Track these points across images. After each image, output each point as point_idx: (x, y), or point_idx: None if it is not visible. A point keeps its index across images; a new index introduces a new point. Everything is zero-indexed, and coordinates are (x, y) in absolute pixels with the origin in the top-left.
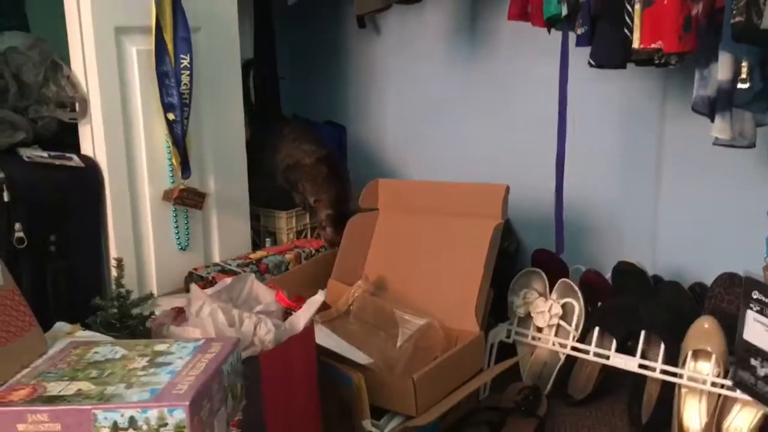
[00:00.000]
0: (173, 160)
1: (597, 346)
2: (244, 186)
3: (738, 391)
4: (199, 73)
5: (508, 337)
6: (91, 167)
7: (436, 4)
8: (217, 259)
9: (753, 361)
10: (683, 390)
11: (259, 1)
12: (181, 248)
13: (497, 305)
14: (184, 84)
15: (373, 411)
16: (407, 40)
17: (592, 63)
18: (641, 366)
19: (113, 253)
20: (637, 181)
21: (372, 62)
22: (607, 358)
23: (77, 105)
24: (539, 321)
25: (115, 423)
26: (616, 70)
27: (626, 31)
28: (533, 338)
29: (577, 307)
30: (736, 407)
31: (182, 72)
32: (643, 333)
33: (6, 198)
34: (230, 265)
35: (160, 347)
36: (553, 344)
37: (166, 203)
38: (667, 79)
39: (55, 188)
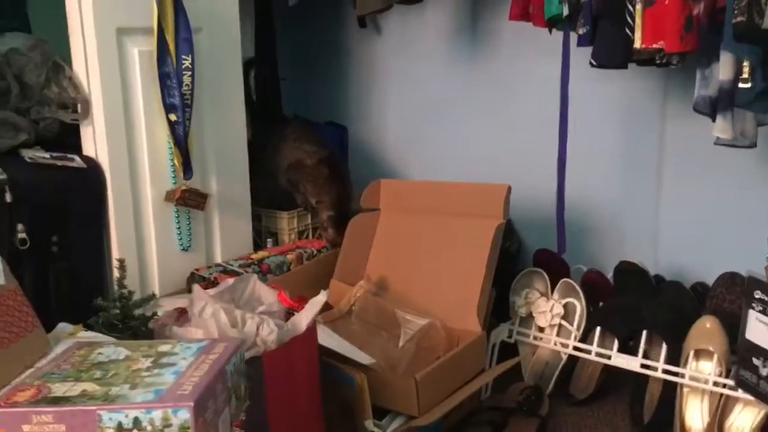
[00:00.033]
0: (175, 161)
1: (599, 346)
2: (246, 186)
3: (740, 391)
4: (201, 73)
5: (510, 337)
6: (93, 168)
7: (437, 5)
8: (218, 259)
9: (755, 361)
10: (685, 390)
11: (259, 1)
12: (183, 249)
13: (499, 305)
14: (186, 85)
15: (375, 411)
16: (408, 41)
17: (594, 63)
18: (643, 366)
19: (115, 253)
20: (639, 181)
21: (373, 62)
22: (609, 358)
23: (79, 106)
24: (541, 321)
25: (119, 424)
26: (617, 70)
27: (628, 31)
28: (535, 338)
29: (579, 307)
30: (738, 407)
31: (184, 73)
32: (644, 333)
33: (8, 199)
34: (232, 265)
35: (164, 348)
36: (555, 344)
37: (168, 204)
38: (668, 78)
39: (57, 189)
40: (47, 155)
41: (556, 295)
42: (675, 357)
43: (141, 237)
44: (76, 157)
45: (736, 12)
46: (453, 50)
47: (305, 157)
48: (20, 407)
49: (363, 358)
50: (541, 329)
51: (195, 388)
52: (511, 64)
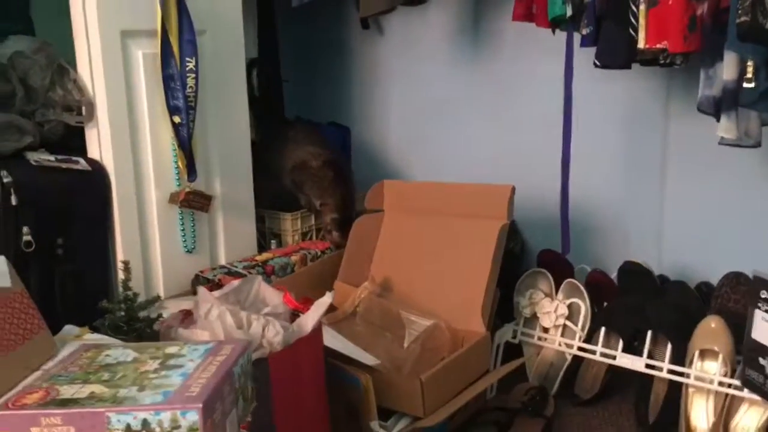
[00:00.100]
0: (179, 163)
1: (603, 346)
2: (250, 188)
3: (745, 391)
4: (205, 75)
5: (514, 337)
6: (97, 170)
7: (440, 5)
8: (223, 261)
9: (761, 361)
10: (690, 390)
11: (262, 2)
12: (188, 251)
13: (503, 306)
14: (190, 87)
15: (380, 412)
16: (411, 41)
17: (598, 63)
18: (648, 366)
19: (120, 255)
20: (643, 181)
21: (376, 63)
22: (614, 358)
23: (84, 109)
24: (545, 321)
25: (128, 426)
26: (620, 70)
27: (631, 31)
28: (539, 339)
29: (583, 307)
30: (744, 407)
31: (188, 75)
32: (649, 333)
33: (14, 202)
34: (236, 267)
35: (172, 350)
36: (560, 345)
37: (173, 206)
38: (671, 78)
39: (62, 192)
40: (52, 158)
41: (560, 296)
42: (680, 357)
43: (145, 239)
44: (81, 160)
45: (740, 12)
46: (456, 51)
47: (310, 159)
48: (29, 409)
49: (368, 359)
50: (546, 330)
51: (203, 390)
52: (514, 64)
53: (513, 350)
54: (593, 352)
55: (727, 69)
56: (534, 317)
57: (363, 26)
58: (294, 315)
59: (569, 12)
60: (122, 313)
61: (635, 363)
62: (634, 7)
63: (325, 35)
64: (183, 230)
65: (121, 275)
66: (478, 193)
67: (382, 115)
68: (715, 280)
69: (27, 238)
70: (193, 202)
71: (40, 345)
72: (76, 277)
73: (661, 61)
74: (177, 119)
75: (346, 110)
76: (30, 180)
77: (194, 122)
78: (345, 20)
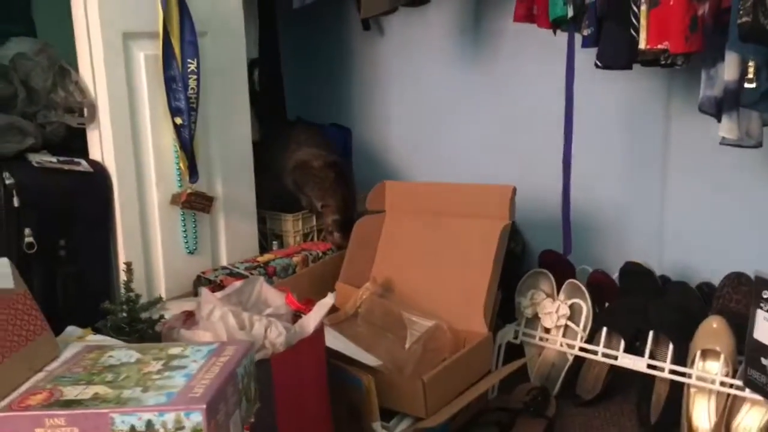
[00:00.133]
0: (181, 165)
1: (605, 346)
2: (251, 189)
3: (747, 391)
4: (206, 77)
5: (516, 338)
6: (99, 172)
7: (441, 6)
8: (224, 262)
9: (764, 361)
10: (692, 390)
11: (263, 3)
12: (189, 252)
13: (504, 307)
14: (192, 88)
15: (382, 413)
16: (412, 42)
17: (599, 64)
18: (650, 366)
19: (122, 257)
20: (643, 181)
21: (376, 64)
22: (616, 358)
23: (85, 110)
24: (547, 322)
25: (132, 427)
26: (621, 70)
27: (632, 31)
28: (541, 339)
29: (585, 307)
30: (746, 407)
31: (189, 76)
32: (651, 333)
33: (16, 203)
34: (238, 268)
35: (175, 351)
36: (561, 345)
37: (174, 207)
38: (671, 78)
39: (64, 193)
40: (54, 159)
41: (561, 296)
42: (682, 357)
43: (147, 240)
44: (83, 161)
45: (741, 12)
46: (457, 51)
47: (312, 159)
48: (33, 410)
49: (370, 360)
50: (547, 330)
51: (207, 391)
52: (515, 65)
53: (514, 351)
54: (595, 353)
55: (729, 69)
56: (535, 318)
57: (364, 27)
58: (296, 316)
59: (570, 13)
60: (124, 315)
61: (637, 363)
62: (635, 8)
63: (326, 36)
64: (185, 231)
65: (123, 276)
66: (480, 194)
67: (383, 116)
68: (716, 281)
69: (29, 239)
70: (195, 203)
71: (42, 346)
72: (78, 279)
73: (662, 62)
74: (179, 120)
75: (346, 111)
76: (32, 182)
77: (196, 123)
78: (346, 21)
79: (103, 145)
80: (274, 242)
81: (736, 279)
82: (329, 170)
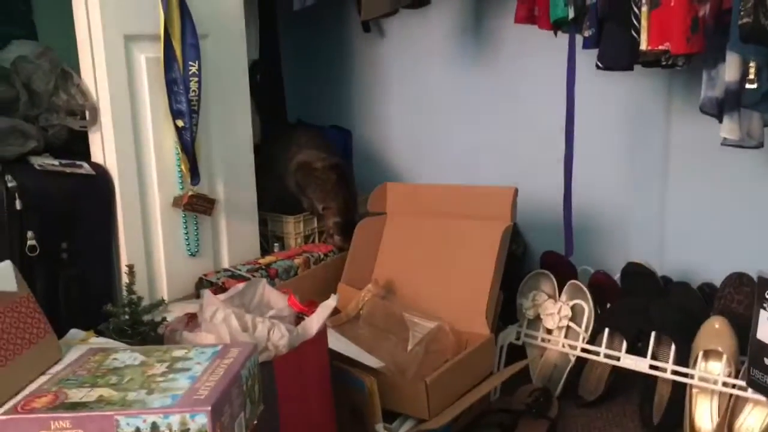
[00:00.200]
0: (182, 167)
1: (607, 347)
2: (253, 191)
3: (750, 391)
4: (207, 79)
5: (518, 339)
6: (101, 175)
7: (441, 7)
8: (226, 264)
9: (767, 361)
10: (694, 390)
11: (263, 5)
12: (191, 254)
13: (506, 308)
14: (193, 91)
15: (385, 415)
16: (412, 44)
17: (600, 65)
18: (652, 367)
19: (124, 259)
20: (645, 182)
21: (377, 66)
22: (618, 359)
23: (87, 113)
24: (549, 323)
25: (137, 429)
26: (622, 71)
27: (633, 33)
28: (543, 340)
29: (587, 308)
30: (748, 407)
31: (191, 79)
32: (653, 334)
33: (18, 206)
34: (240, 270)
35: (179, 353)
36: (563, 346)
37: (176, 209)
38: (672, 79)
39: (66, 196)
40: (56, 162)
41: (563, 297)
42: (684, 358)
43: (149, 243)
44: (85, 164)
45: (742, 13)
46: (458, 53)
47: (314, 160)
48: (38, 413)
49: (372, 361)
50: (549, 331)
51: (212, 393)
52: (516, 66)
53: (516, 352)
54: (597, 354)
55: (730, 70)
56: (537, 319)
57: (364, 29)
58: (299, 318)
59: (571, 14)
60: (126, 317)
61: (639, 364)
62: (636, 9)
63: (327, 38)
64: (186, 234)
65: (125, 279)
66: (481, 195)
67: (383, 118)
68: (717, 281)
69: (31, 242)
70: (197, 205)
71: (46, 349)
72: (80, 281)
73: (663, 63)
74: (180, 123)
75: (347, 112)
76: (34, 185)
77: (197, 126)
78: (346, 23)
79: (104, 147)
80: (276, 244)
81: (738, 279)
82: (331, 172)
